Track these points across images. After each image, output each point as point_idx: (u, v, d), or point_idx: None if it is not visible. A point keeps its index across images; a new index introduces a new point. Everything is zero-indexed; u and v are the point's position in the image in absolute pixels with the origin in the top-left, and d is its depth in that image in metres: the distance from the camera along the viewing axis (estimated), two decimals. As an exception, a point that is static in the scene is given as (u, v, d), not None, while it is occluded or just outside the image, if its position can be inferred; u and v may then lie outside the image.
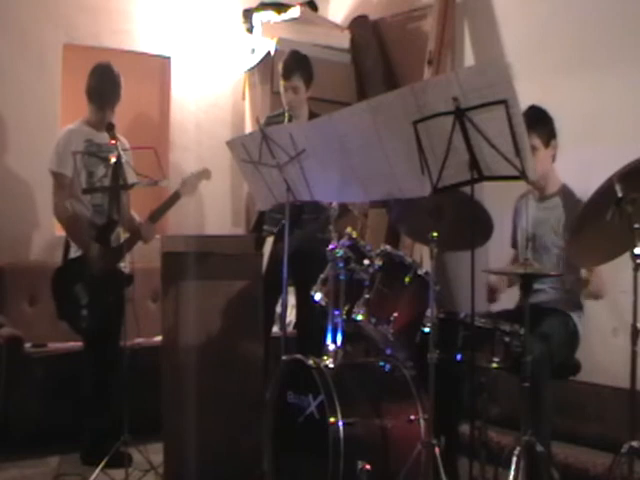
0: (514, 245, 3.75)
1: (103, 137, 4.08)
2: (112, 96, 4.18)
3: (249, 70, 5.61)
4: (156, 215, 4.17)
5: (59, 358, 4.28)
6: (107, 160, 3.91)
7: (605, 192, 2.74)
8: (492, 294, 3.62)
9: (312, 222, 4.21)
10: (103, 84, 4.16)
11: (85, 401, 4.04)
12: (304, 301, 4.23)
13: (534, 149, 3.34)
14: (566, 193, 3.53)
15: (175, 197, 4.18)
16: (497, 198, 3.76)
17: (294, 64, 4.32)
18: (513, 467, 2.86)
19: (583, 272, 3.50)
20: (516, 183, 2.83)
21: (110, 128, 3.88)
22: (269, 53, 5.31)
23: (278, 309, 4.44)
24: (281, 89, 4.34)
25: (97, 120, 4.16)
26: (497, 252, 3.80)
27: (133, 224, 4.22)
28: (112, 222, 4.04)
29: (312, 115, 4.30)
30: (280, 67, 4.36)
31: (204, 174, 4.30)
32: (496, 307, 3.64)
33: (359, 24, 5.70)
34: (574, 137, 3.75)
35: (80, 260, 4.03)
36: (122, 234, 3.99)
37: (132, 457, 3.71)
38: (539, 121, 3.43)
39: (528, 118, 3.22)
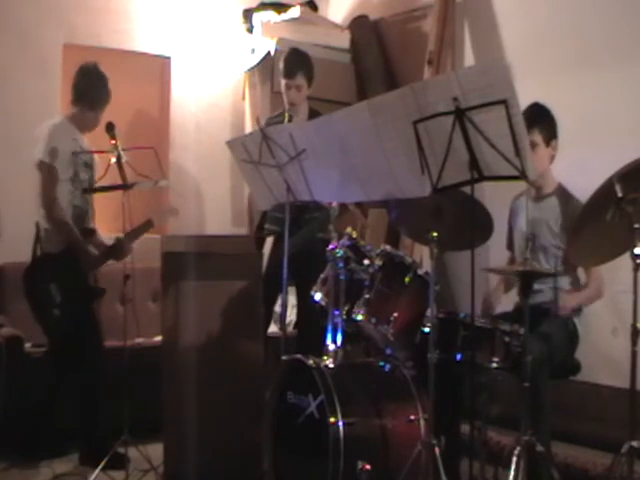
0: (509, 247, 3.74)
1: (84, 139, 4.06)
2: (104, 97, 4.10)
3: (249, 70, 5.61)
4: (131, 236, 3.95)
5: (59, 358, 4.27)
6: (88, 163, 3.94)
7: (605, 192, 2.74)
8: (488, 305, 3.58)
9: (310, 222, 4.21)
10: (95, 85, 4.08)
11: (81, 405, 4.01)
12: (304, 301, 4.22)
13: (534, 145, 3.31)
14: (563, 193, 3.52)
15: (148, 225, 4.06)
16: (497, 198, 3.76)
17: (297, 63, 4.31)
18: (513, 467, 2.86)
19: (582, 278, 3.50)
20: (516, 183, 2.83)
21: (110, 128, 3.86)
22: (269, 53, 5.31)
23: (278, 309, 4.45)
24: (282, 87, 4.33)
25: (84, 121, 4.06)
26: (497, 252, 3.80)
27: (102, 243, 4.09)
28: (90, 230, 4.00)
29: (312, 112, 4.30)
30: (281, 65, 4.35)
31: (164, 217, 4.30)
32: (495, 309, 3.64)
33: (359, 24, 5.69)
34: (574, 137, 3.74)
35: (54, 257, 3.93)
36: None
37: (130, 459, 3.67)
38: (542, 118, 3.42)
39: (531, 114, 3.23)
